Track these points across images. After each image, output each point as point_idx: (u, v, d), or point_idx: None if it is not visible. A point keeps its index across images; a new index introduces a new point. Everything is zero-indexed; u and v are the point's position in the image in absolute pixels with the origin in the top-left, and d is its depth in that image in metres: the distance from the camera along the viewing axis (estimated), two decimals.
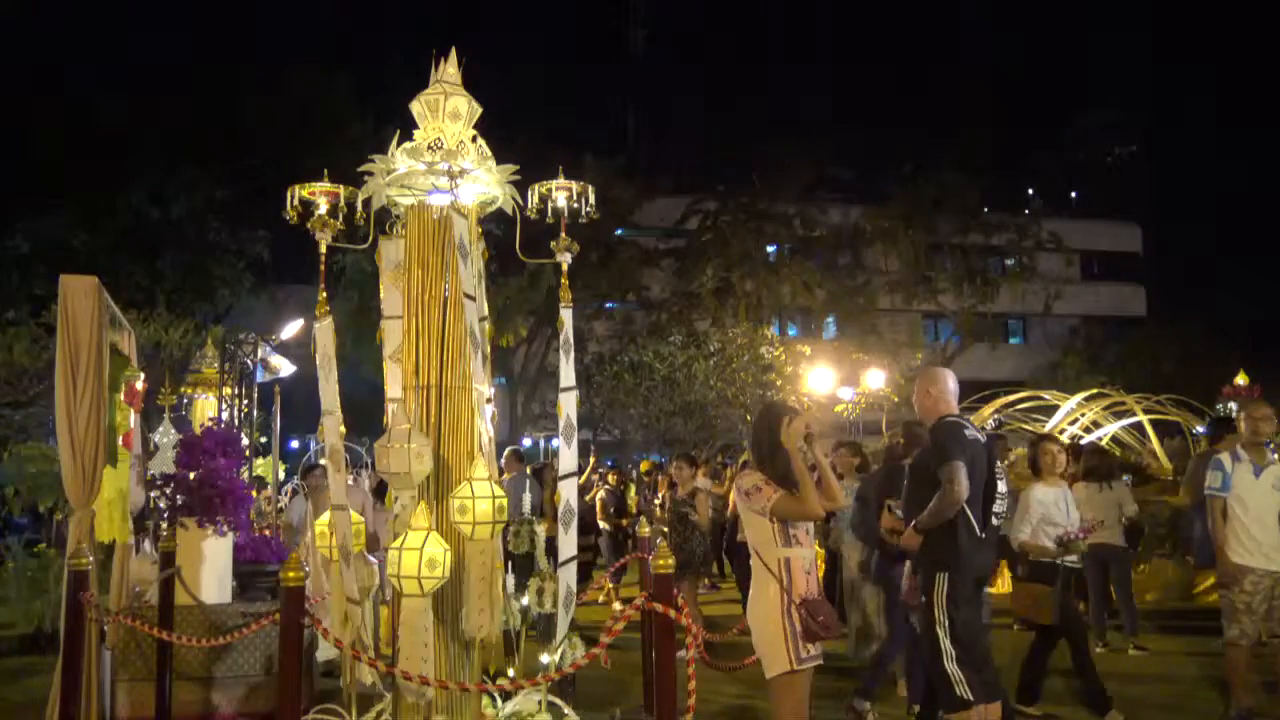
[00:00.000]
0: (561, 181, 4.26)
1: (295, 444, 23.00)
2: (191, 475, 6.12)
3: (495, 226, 6.97)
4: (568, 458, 4.35)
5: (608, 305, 30.89)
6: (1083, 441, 12.45)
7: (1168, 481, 11.69)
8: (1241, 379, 18.44)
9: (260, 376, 10.38)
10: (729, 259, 30.35)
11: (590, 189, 4.33)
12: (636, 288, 31.13)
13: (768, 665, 3.95)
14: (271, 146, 20.48)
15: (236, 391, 10.10)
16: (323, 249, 4.08)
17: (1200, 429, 14.78)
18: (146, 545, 6.62)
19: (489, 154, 4.26)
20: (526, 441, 30.59)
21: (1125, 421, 14.22)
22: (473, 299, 4.09)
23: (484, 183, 4.24)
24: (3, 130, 18.31)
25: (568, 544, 4.25)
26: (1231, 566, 5.54)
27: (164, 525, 6.23)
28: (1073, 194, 62.35)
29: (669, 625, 3.71)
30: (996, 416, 14.83)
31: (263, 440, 12.33)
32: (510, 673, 4.32)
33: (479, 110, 4.28)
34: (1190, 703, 6.28)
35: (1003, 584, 11.27)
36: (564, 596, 4.22)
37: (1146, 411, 13.87)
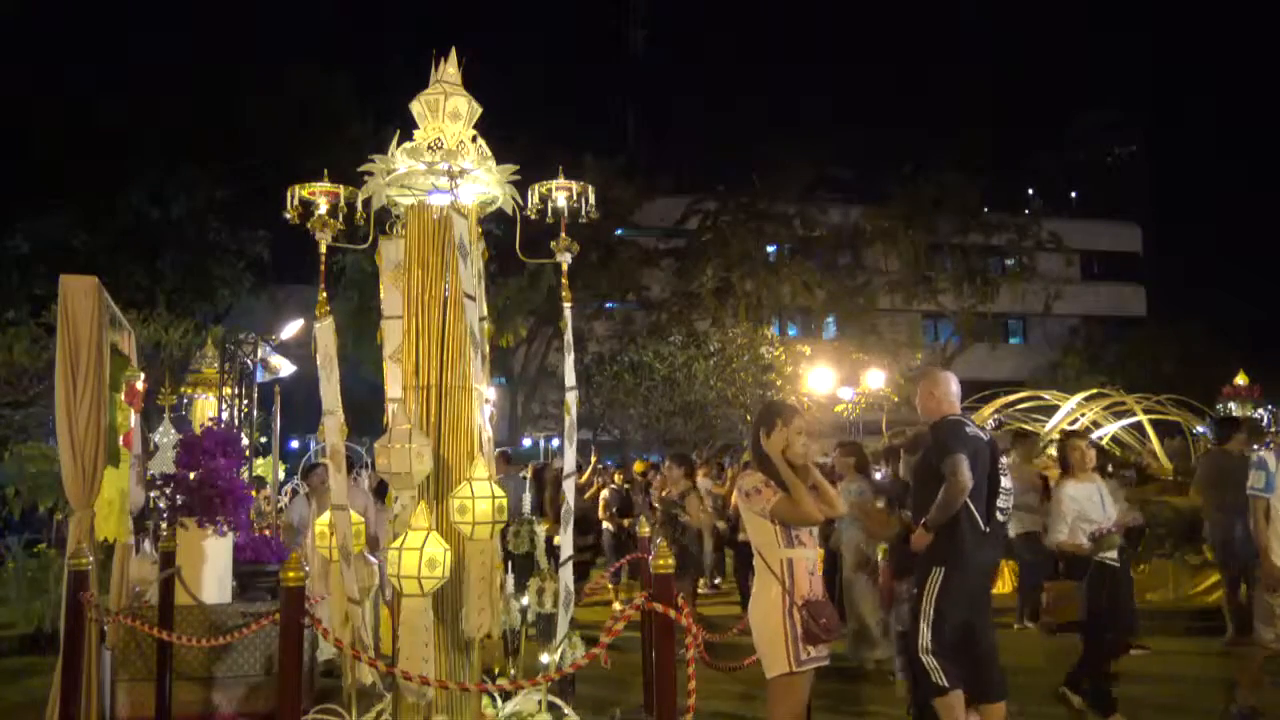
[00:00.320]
0: (561, 181, 4.25)
1: (295, 444, 23.00)
2: (191, 475, 6.13)
3: (495, 226, 6.97)
4: (571, 457, 4.35)
5: (608, 305, 30.89)
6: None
7: (1168, 481, 11.68)
8: (1241, 379, 18.47)
9: (260, 376, 10.38)
10: (729, 259, 30.36)
11: (590, 189, 4.33)
12: (636, 288, 31.14)
13: (767, 666, 3.95)
14: (271, 146, 20.48)
15: (236, 391, 10.11)
16: (323, 249, 4.08)
17: (1200, 429, 14.78)
18: (146, 545, 6.63)
19: (489, 154, 4.26)
20: (526, 441, 30.60)
21: (1125, 421, 14.22)
22: (473, 299, 4.09)
23: (484, 183, 4.24)
24: (3, 130, 18.31)
25: (567, 544, 4.26)
26: (1278, 570, 5.37)
27: (164, 525, 6.23)
28: (1073, 194, 62.32)
29: (669, 625, 3.70)
30: (996, 416, 14.83)
31: (263, 440, 12.33)
32: (510, 673, 4.32)
33: (479, 110, 4.28)
34: (1192, 702, 6.27)
35: (1003, 584, 11.28)
36: (564, 596, 4.23)
37: (1146, 411, 13.86)
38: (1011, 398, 15.33)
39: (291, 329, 12.82)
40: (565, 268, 4.33)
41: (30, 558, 9.11)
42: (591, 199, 4.32)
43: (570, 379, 4.38)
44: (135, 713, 5.50)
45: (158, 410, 8.78)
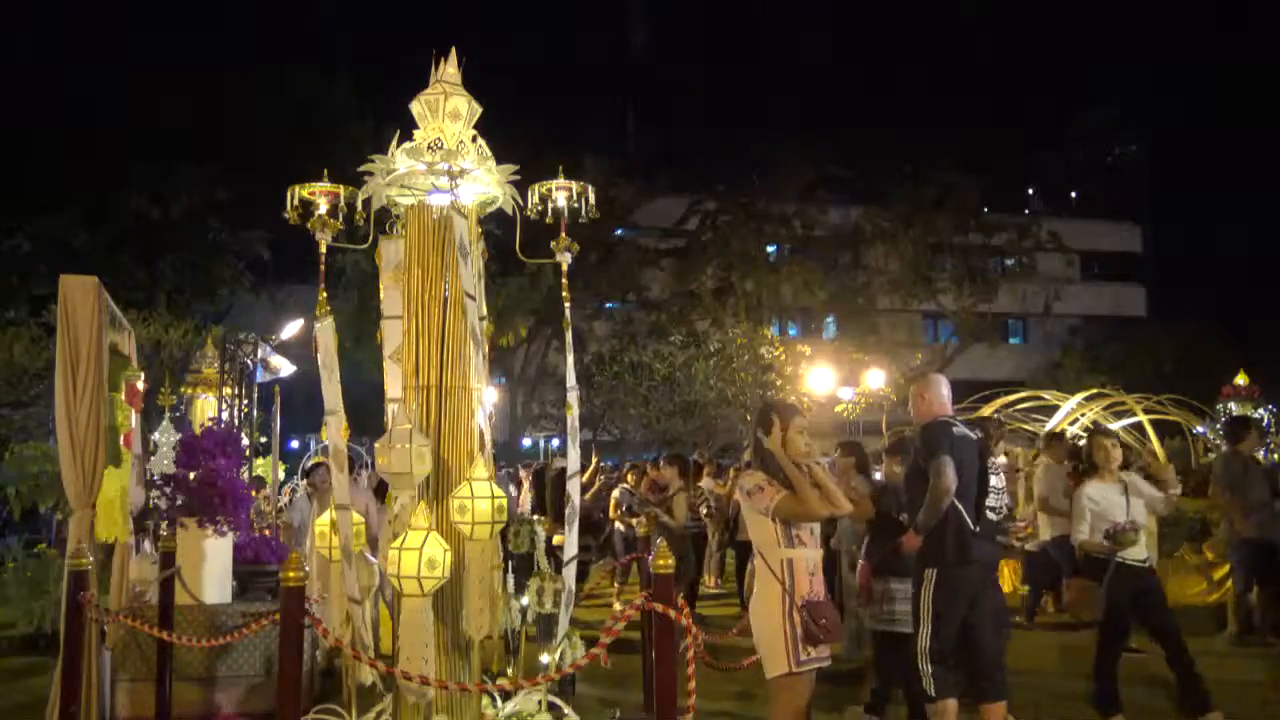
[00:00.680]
0: (561, 181, 4.26)
1: (295, 444, 23.00)
2: (191, 475, 6.13)
3: (495, 226, 6.96)
4: (574, 457, 4.35)
5: (608, 305, 30.90)
6: (1081, 442, 12.43)
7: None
8: (1241, 379, 18.46)
9: (260, 376, 10.39)
10: (729, 259, 30.37)
11: (590, 189, 4.33)
12: (636, 288, 31.16)
13: (767, 666, 3.94)
14: (271, 146, 20.48)
15: (236, 391, 10.11)
16: (323, 249, 4.08)
17: (1200, 429, 14.79)
18: (146, 545, 6.63)
19: (489, 154, 4.26)
20: (526, 441, 30.61)
21: (1125, 421, 14.21)
22: (473, 299, 4.10)
23: (484, 183, 4.24)
24: (3, 130, 18.31)
25: (571, 543, 4.26)
26: None
27: (164, 525, 6.23)
28: (1073, 194, 62.35)
29: (669, 625, 3.70)
30: (996, 416, 14.82)
31: (263, 440, 12.33)
32: (510, 673, 4.32)
33: (479, 110, 4.28)
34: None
35: (1003, 582, 11.27)
36: (565, 596, 4.23)
37: (1146, 411, 13.86)
38: (1011, 398, 15.33)
39: (291, 329, 12.82)
40: (565, 268, 4.33)
41: (30, 558, 9.10)
42: (591, 199, 4.32)
43: (571, 379, 4.38)
44: (135, 713, 5.51)
45: (158, 410, 8.78)
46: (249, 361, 10.23)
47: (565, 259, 4.30)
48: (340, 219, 4.10)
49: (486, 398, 4.36)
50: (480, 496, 3.84)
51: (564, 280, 4.34)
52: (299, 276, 21.00)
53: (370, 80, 24.27)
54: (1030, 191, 51.77)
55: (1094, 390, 15.46)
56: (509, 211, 4.38)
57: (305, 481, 10.18)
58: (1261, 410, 17.50)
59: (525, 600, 4.35)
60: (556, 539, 4.51)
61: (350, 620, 4.05)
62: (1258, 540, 7.76)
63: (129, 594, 5.73)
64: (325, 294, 4.16)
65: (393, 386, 4.30)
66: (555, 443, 27.81)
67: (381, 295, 4.45)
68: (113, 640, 5.30)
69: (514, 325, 24.50)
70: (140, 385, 6.00)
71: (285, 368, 10.58)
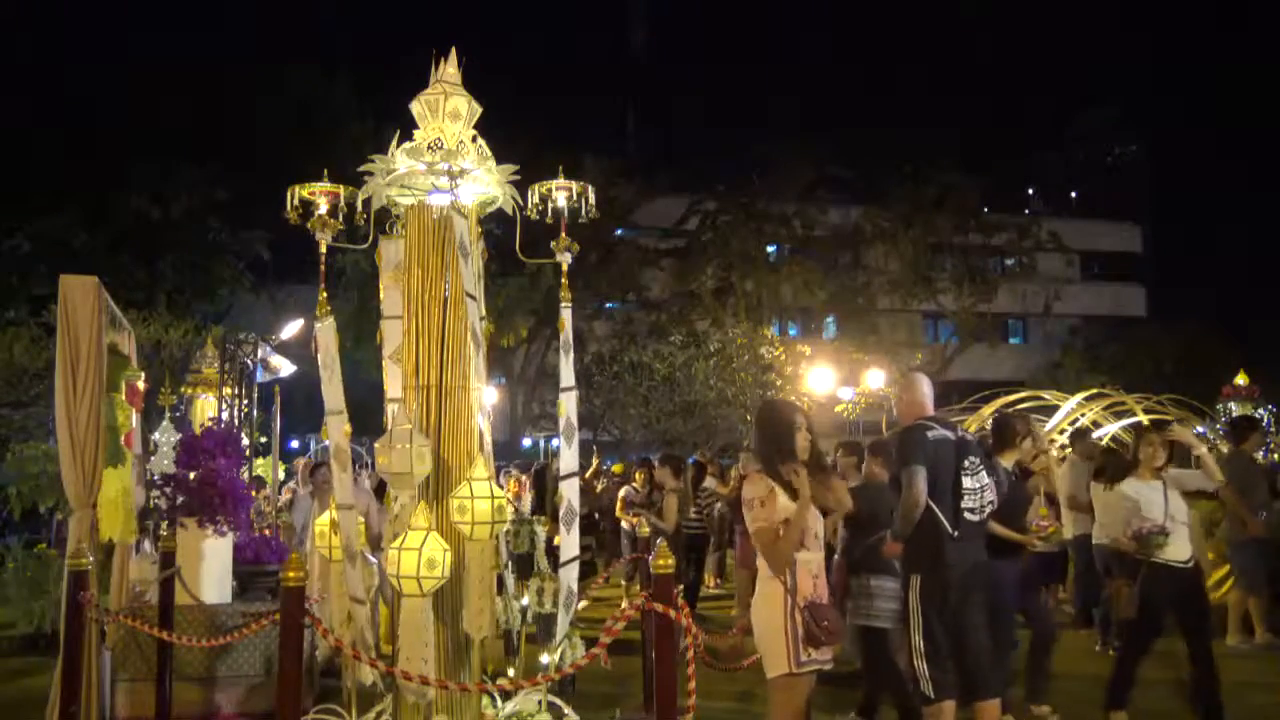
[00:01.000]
0: (561, 181, 4.26)
1: (295, 444, 23.02)
2: (191, 475, 6.14)
3: (495, 226, 6.97)
4: (568, 458, 4.35)
5: (608, 305, 30.90)
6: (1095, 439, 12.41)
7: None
8: (1241, 379, 18.46)
9: (260, 376, 10.39)
10: (729, 259, 30.36)
11: (590, 189, 4.33)
12: (636, 288, 31.15)
13: (768, 666, 3.94)
14: (271, 146, 20.48)
15: (236, 391, 10.11)
16: (323, 249, 4.08)
17: (1200, 429, 14.76)
18: (146, 545, 6.63)
19: (489, 154, 4.27)
20: (526, 441, 30.61)
21: (1125, 421, 14.21)
22: (474, 299, 4.10)
23: (484, 183, 4.24)
24: (3, 130, 18.31)
25: (568, 544, 4.26)
26: None
27: (164, 525, 6.24)
28: (1073, 194, 62.36)
29: (669, 625, 3.70)
30: (997, 416, 14.81)
31: (263, 440, 12.33)
32: (510, 673, 4.32)
33: (479, 110, 4.28)
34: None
35: None
36: (564, 596, 4.23)
37: (1146, 411, 13.85)
38: (1011, 398, 15.32)
39: (291, 329, 12.82)
40: (565, 268, 4.33)
41: (30, 558, 9.10)
42: (591, 199, 4.32)
43: (568, 379, 4.38)
44: (135, 713, 5.51)
45: (158, 410, 8.78)
46: (249, 361, 10.23)
47: (565, 259, 4.31)
48: (340, 219, 4.10)
49: (485, 398, 4.36)
50: (480, 496, 3.84)
51: (564, 280, 4.33)
52: (299, 276, 21.00)
53: (370, 80, 24.30)
54: (1030, 191, 51.82)
55: (1094, 390, 15.45)
56: (509, 211, 4.38)
57: (304, 481, 10.19)
58: (1261, 410, 17.51)
59: (525, 600, 4.36)
60: (557, 539, 4.51)
61: (353, 619, 4.05)
62: (1269, 540, 7.77)
63: (129, 594, 5.74)
64: (325, 294, 4.16)
65: (393, 386, 4.30)
66: (555, 442, 27.80)
67: (381, 295, 4.45)
68: (113, 640, 5.30)
69: (514, 325, 24.51)
70: (140, 385, 6.00)
71: (285, 368, 10.58)
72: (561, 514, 4.27)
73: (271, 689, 5.30)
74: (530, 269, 21.36)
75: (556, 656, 4.16)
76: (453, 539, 3.88)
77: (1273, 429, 16.94)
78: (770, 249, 32.12)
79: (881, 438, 7.83)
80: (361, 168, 4.19)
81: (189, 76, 22.40)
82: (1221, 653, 7.44)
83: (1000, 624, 5.33)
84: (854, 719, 5.71)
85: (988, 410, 14.71)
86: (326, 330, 4.07)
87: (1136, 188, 65.19)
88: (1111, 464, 8.43)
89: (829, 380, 23.69)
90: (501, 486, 4.59)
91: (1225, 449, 10.17)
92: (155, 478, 6.41)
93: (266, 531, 8.47)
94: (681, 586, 9.78)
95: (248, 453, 9.21)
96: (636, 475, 11.23)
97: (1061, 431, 13.44)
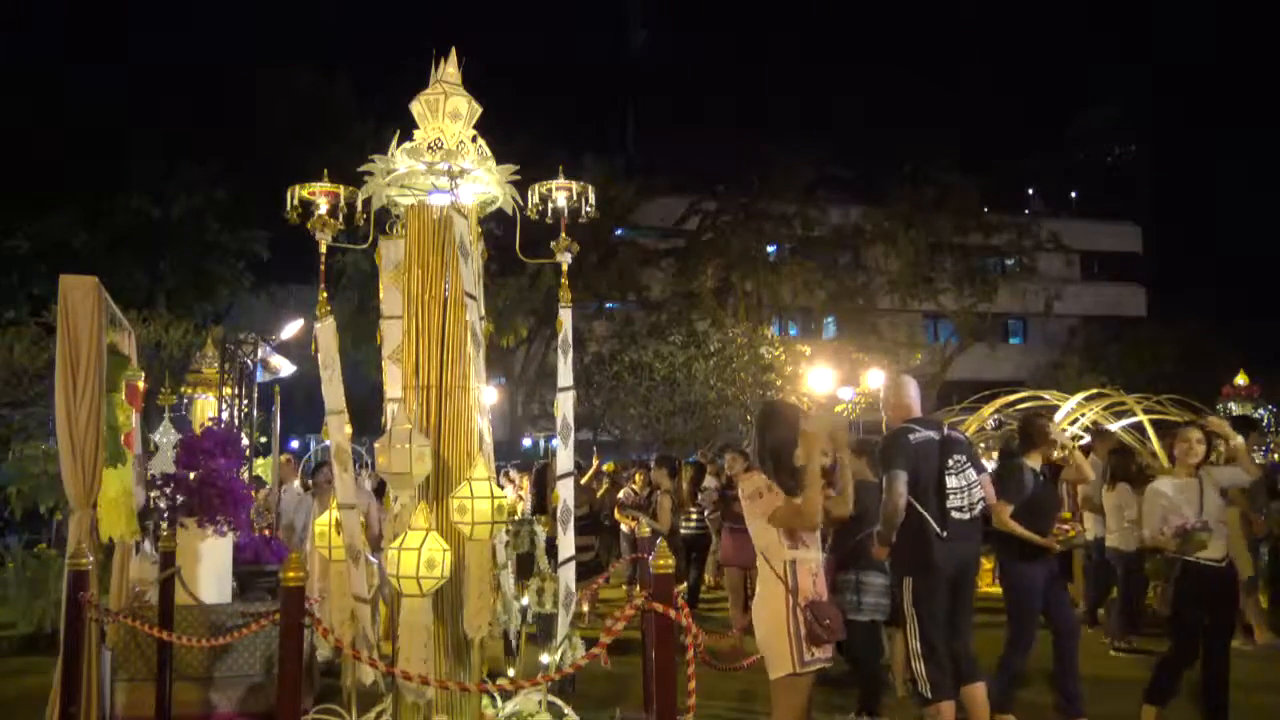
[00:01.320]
0: (561, 181, 4.26)
1: (295, 444, 23.01)
2: (191, 475, 6.13)
3: (495, 226, 6.97)
4: (565, 458, 4.36)
5: (608, 305, 30.88)
6: (1081, 442, 12.42)
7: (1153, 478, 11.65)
8: (1241, 379, 18.46)
9: (260, 376, 10.38)
10: (729, 259, 30.34)
11: (590, 189, 4.33)
12: (636, 288, 31.10)
13: (771, 667, 3.95)
14: (271, 146, 20.47)
15: (236, 391, 10.10)
16: (323, 249, 4.09)
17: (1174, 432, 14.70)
18: (146, 545, 6.62)
19: (489, 154, 4.27)
20: (526, 441, 30.61)
21: (1125, 421, 14.20)
22: (474, 299, 4.10)
23: (484, 183, 4.25)
24: (3, 130, 18.30)
25: (566, 544, 4.26)
26: None
27: (164, 525, 6.23)
28: (1073, 194, 62.28)
29: (669, 625, 3.71)
30: (996, 416, 14.80)
31: (263, 440, 12.32)
32: (510, 673, 4.32)
33: (479, 110, 4.28)
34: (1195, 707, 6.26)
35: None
36: (564, 596, 4.23)
37: (1146, 411, 13.83)
38: (1011, 398, 15.31)
39: (291, 329, 12.81)
40: (565, 268, 4.33)
41: (30, 558, 9.10)
42: (591, 199, 4.32)
43: (566, 379, 4.38)
44: (135, 713, 5.51)
45: (158, 410, 8.77)
46: (249, 361, 10.22)
47: (565, 259, 4.31)
48: (340, 219, 4.10)
49: (485, 398, 4.36)
50: (480, 496, 3.84)
51: (564, 280, 4.34)
52: (299, 276, 20.99)
53: (370, 80, 24.31)
54: (1030, 191, 51.67)
55: (1094, 390, 15.44)
56: (509, 211, 4.39)
57: (304, 481, 10.18)
58: (1261, 410, 17.51)
59: (525, 600, 4.36)
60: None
61: (356, 619, 4.06)
62: (1274, 539, 7.79)
63: (129, 594, 5.74)
64: (325, 294, 4.17)
65: (392, 386, 4.30)
66: (555, 443, 27.79)
67: (381, 295, 4.45)
68: (113, 640, 5.30)
69: (514, 325, 24.50)
70: (140, 385, 6.00)
71: (285, 368, 10.57)
72: (559, 513, 4.28)
73: (271, 689, 5.30)
74: (530, 269, 21.36)
75: (556, 656, 4.16)
76: (453, 539, 3.88)
77: (1272, 429, 16.93)
78: (770, 249, 32.11)
79: (867, 437, 7.91)
80: (361, 168, 4.19)
81: (189, 76, 22.42)
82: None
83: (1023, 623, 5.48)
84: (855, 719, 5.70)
85: (988, 410, 14.71)
86: (326, 330, 4.08)
87: (1136, 188, 65.15)
88: (1115, 465, 8.44)
89: (829, 380, 23.66)
90: (501, 486, 4.60)
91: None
92: (155, 478, 6.39)
93: (266, 531, 8.45)
94: (683, 586, 9.81)
95: (248, 453, 9.20)
96: (636, 476, 11.22)
97: (1062, 431, 13.41)
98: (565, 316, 4.38)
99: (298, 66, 23.11)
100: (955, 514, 4.82)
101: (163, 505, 6.26)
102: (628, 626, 3.80)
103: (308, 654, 5.41)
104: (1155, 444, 13.64)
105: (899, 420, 5.04)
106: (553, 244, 4.33)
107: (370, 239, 4.34)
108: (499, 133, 4.88)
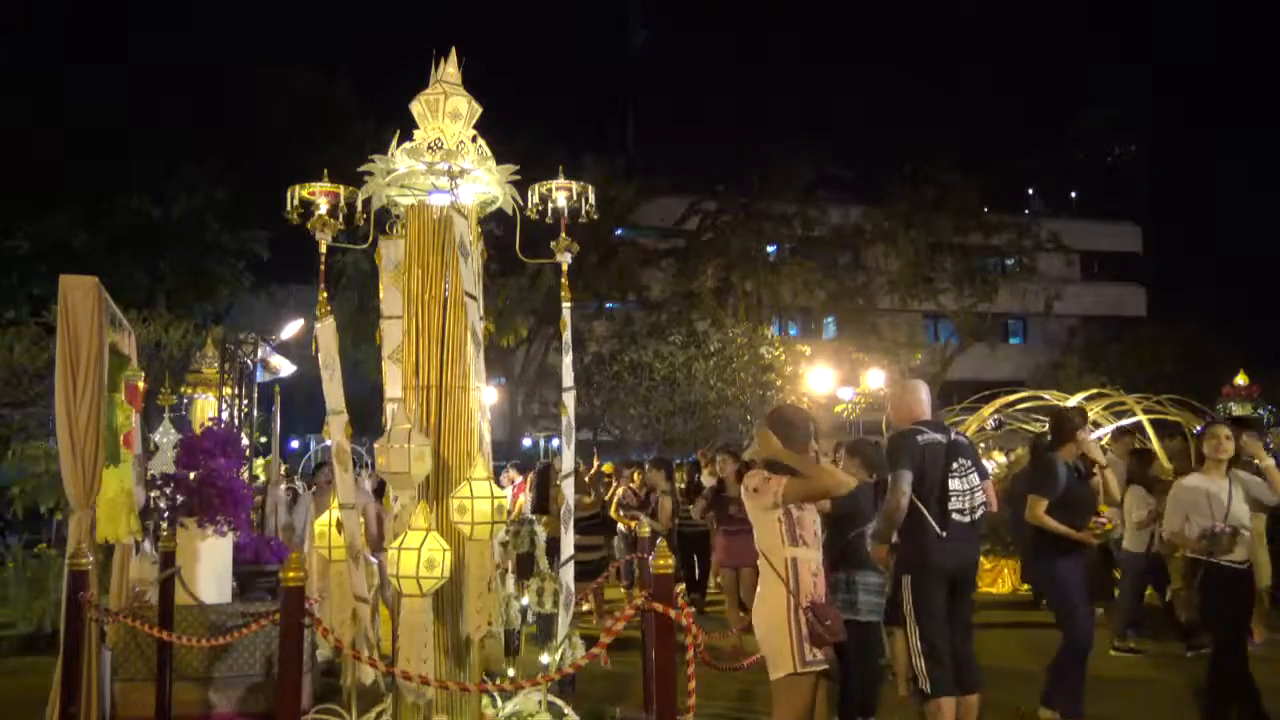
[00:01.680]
0: (561, 181, 4.27)
1: (295, 444, 23.02)
2: (191, 475, 6.13)
3: (495, 226, 6.98)
4: (568, 457, 4.36)
5: (608, 305, 30.88)
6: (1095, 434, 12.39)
7: (1168, 482, 11.65)
8: (1241, 379, 18.46)
9: (260, 376, 10.38)
10: (729, 259, 30.34)
11: (590, 189, 4.34)
12: (636, 288, 31.11)
13: (772, 667, 3.96)
14: (271, 146, 20.47)
15: (236, 391, 10.10)
16: (323, 249, 4.09)
17: (1200, 429, 14.71)
18: (146, 545, 6.62)
19: (489, 154, 4.27)
20: (526, 441, 30.60)
21: (1125, 421, 14.20)
22: (474, 299, 4.10)
23: (484, 183, 4.25)
24: (3, 130, 18.30)
25: (567, 544, 4.27)
26: None
27: (164, 525, 6.23)
28: (1073, 194, 62.26)
29: (669, 625, 3.71)
30: (996, 416, 14.79)
31: (263, 440, 12.32)
32: (510, 673, 4.33)
33: (479, 110, 4.28)
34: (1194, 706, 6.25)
35: (1001, 583, 11.25)
36: (564, 596, 4.23)
37: (1146, 412, 13.84)
38: (1011, 398, 15.31)
39: (291, 329, 12.81)
40: (565, 268, 4.33)
41: (30, 558, 9.10)
42: (591, 199, 4.33)
43: (568, 379, 4.39)
44: (135, 713, 5.50)
45: (158, 410, 8.77)
46: (249, 361, 10.22)
47: (565, 259, 4.32)
48: (340, 219, 4.11)
49: (485, 398, 4.36)
50: (480, 496, 3.84)
51: (564, 280, 4.34)
52: (299, 276, 20.99)
53: (370, 80, 24.31)
54: (1030, 191, 51.67)
55: (1094, 390, 15.44)
56: (509, 211, 4.39)
57: (304, 481, 10.17)
58: (1261, 410, 17.51)
59: (525, 600, 4.36)
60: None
61: (357, 619, 4.06)
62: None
63: (129, 594, 5.74)
64: (325, 294, 4.17)
65: (392, 386, 4.30)
66: (555, 442, 27.80)
67: (381, 295, 4.46)
68: (113, 640, 5.30)
69: (514, 325, 24.49)
70: (140, 385, 6.00)
71: (285, 368, 10.57)
72: (561, 513, 4.28)
73: (271, 689, 5.30)
74: (530, 269, 21.36)
75: (556, 656, 4.16)
76: (453, 539, 3.88)
77: (1271, 427, 16.91)
78: (770, 249, 32.11)
79: (861, 438, 7.89)
80: (361, 168, 4.20)
81: (189, 76, 22.42)
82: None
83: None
84: None
85: (988, 410, 14.70)
86: (326, 330, 4.08)
87: (1136, 188, 65.15)
88: (1132, 468, 8.45)
89: (829, 380, 23.67)
90: (501, 486, 4.61)
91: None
92: (155, 478, 6.39)
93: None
94: (683, 585, 9.80)
95: (248, 453, 9.21)
96: (635, 476, 11.20)
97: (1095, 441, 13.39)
98: (567, 316, 4.40)
99: (298, 66, 23.12)
100: (956, 516, 4.83)
101: (163, 505, 6.26)
102: (628, 626, 3.80)
103: (308, 654, 5.41)
104: (1155, 444, 13.65)
105: (907, 422, 5.04)
106: (553, 244, 4.33)
107: (370, 239, 4.34)
108: (499, 133, 4.88)
